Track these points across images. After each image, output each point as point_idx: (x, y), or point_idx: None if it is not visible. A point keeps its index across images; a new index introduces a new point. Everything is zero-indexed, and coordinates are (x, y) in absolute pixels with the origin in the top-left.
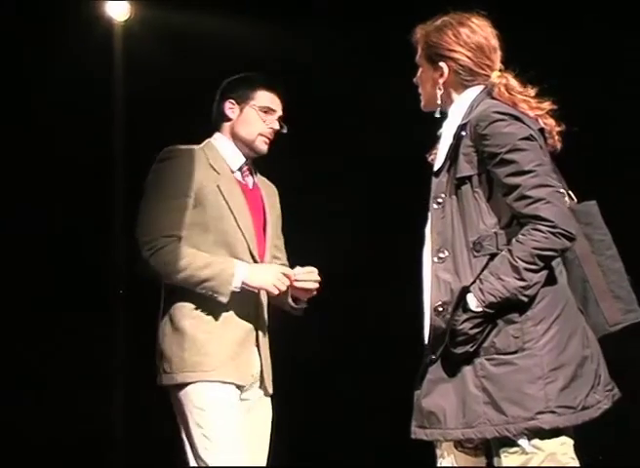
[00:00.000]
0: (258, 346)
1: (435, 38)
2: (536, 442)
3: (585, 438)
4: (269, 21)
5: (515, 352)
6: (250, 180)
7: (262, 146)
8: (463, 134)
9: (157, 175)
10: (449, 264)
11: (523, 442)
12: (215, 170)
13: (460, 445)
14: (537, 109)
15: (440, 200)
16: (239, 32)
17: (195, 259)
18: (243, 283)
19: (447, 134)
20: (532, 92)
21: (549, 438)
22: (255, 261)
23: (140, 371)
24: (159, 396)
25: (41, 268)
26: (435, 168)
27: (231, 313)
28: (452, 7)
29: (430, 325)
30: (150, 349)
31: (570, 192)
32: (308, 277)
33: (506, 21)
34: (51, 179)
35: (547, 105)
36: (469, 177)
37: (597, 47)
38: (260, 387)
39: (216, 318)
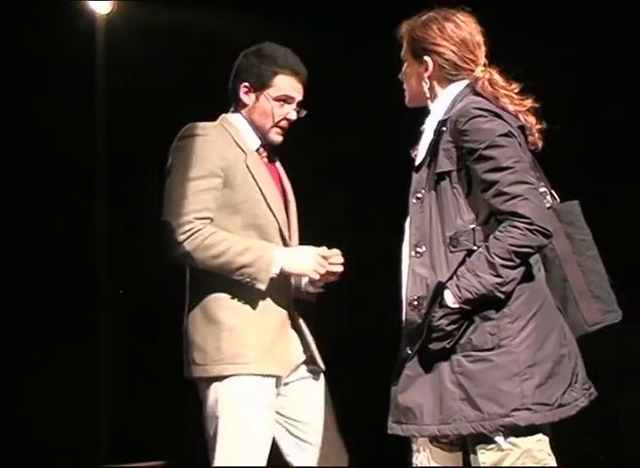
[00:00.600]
0: (296, 328)
1: (420, 32)
2: (512, 438)
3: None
4: (254, 15)
5: (492, 349)
6: (265, 160)
7: (276, 138)
8: (444, 129)
9: (184, 154)
10: (425, 259)
11: (499, 438)
12: (241, 148)
13: (435, 440)
14: (519, 105)
15: (419, 195)
16: (222, 25)
17: (234, 244)
18: (282, 269)
19: (429, 129)
20: (515, 88)
21: (525, 435)
22: (285, 243)
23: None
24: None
25: (28, 269)
26: (416, 163)
27: (268, 299)
28: (436, 3)
29: (405, 319)
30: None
31: (552, 191)
32: (337, 259)
33: (492, 18)
34: (29, 175)
35: (529, 103)
36: (448, 173)
37: (587, 44)
38: (309, 366)
39: (253, 306)
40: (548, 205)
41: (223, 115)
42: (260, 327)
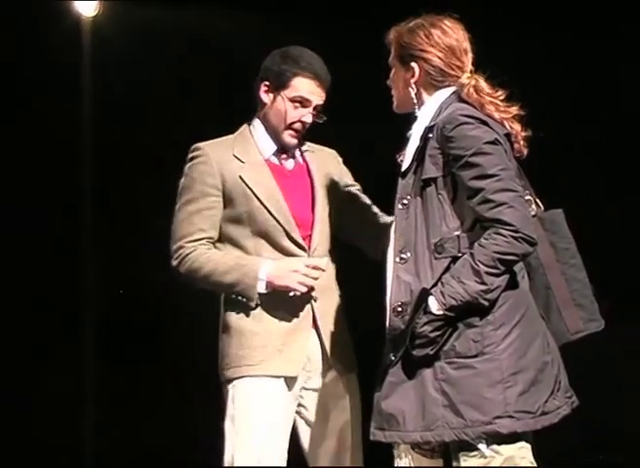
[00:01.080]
0: (316, 328)
1: (407, 39)
2: (494, 446)
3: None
4: (241, 16)
5: (475, 356)
6: (290, 162)
7: (289, 140)
8: (430, 136)
9: (183, 180)
10: (410, 265)
11: (482, 446)
12: (239, 159)
13: (417, 446)
14: (504, 112)
15: (405, 201)
16: (208, 27)
17: (219, 264)
18: (269, 284)
19: (415, 135)
20: (501, 95)
21: (508, 442)
22: (299, 246)
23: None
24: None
25: (27, 269)
26: (402, 169)
27: (281, 300)
28: (428, 9)
29: (389, 325)
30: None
31: (537, 200)
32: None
33: (489, 20)
34: (13, 176)
35: (515, 110)
36: (434, 179)
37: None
38: (329, 370)
39: (263, 309)
40: (533, 213)
41: (245, 124)
42: (268, 329)
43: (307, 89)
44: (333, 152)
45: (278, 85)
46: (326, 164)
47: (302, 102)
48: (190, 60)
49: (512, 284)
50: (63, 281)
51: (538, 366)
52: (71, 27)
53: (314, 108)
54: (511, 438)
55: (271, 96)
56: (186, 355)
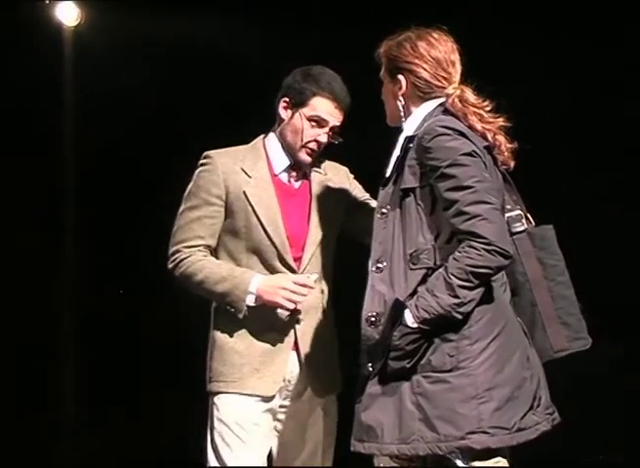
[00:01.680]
0: (297, 350)
1: (395, 52)
2: (470, 461)
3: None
4: (224, 23)
5: (450, 370)
6: (299, 181)
7: (304, 158)
8: (410, 146)
9: (190, 186)
10: (385, 275)
11: (458, 461)
12: (246, 173)
13: (396, 456)
14: (488, 123)
15: (384, 211)
16: (191, 35)
17: (212, 273)
18: (258, 298)
19: (397, 146)
20: (487, 106)
21: (484, 458)
22: (288, 268)
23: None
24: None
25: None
26: (383, 179)
27: (266, 319)
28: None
29: (362, 335)
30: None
31: (528, 215)
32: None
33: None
34: None
35: (500, 121)
36: (413, 190)
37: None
38: (307, 390)
39: (247, 326)
40: (522, 228)
41: (260, 136)
42: (248, 347)
43: (325, 109)
44: (344, 169)
45: (297, 102)
46: (334, 180)
47: (319, 122)
48: (175, 68)
49: (491, 298)
50: (51, 283)
51: (515, 382)
52: (53, 37)
53: (331, 129)
54: (487, 453)
55: (290, 112)
56: (186, 355)
